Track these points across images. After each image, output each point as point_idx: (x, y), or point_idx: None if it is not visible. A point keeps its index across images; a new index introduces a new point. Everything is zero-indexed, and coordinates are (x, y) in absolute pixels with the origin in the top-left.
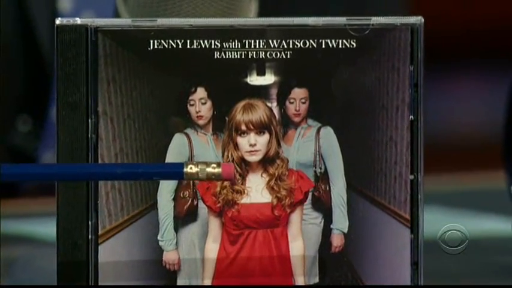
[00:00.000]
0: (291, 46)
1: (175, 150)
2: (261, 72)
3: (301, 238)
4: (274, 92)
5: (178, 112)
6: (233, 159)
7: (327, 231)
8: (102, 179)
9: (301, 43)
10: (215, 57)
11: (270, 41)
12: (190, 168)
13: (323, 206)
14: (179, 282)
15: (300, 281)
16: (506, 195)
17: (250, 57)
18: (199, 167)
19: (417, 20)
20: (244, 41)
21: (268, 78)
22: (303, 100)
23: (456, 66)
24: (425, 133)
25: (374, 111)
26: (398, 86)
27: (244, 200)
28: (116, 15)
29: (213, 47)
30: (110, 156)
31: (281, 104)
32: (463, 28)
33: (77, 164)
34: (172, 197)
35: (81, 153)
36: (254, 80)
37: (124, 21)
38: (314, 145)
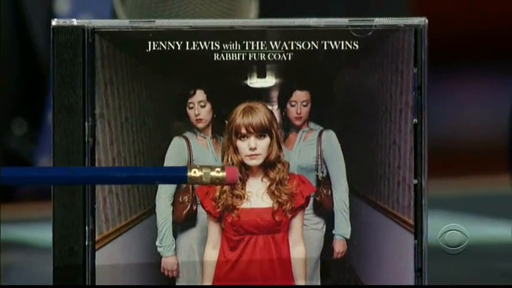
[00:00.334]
0: (292, 48)
1: (174, 154)
2: (262, 75)
3: (302, 244)
4: (275, 94)
5: (177, 115)
6: (233, 163)
7: (328, 237)
8: (104, 183)
9: (303, 44)
10: (215, 59)
11: (271, 43)
12: (194, 172)
13: (325, 211)
14: None
15: None
16: None
17: (250, 59)
18: (203, 170)
19: (421, 21)
20: (244, 42)
21: (269, 81)
22: (305, 103)
23: (461, 68)
24: (429, 137)
25: (377, 114)
26: (401, 89)
27: (245, 205)
28: (114, 16)
29: (212, 48)
30: (107, 160)
31: (282, 106)
32: (469, 29)
33: (78, 168)
34: (171, 201)
35: (77, 157)
36: (254, 82)
37: (121, 23)
38: (316, 149)
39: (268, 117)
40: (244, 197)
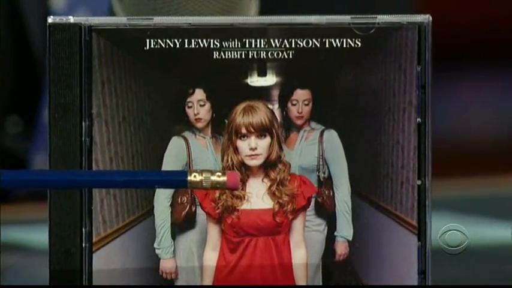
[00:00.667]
0: (293, 46)
1: (173, 155)
2: (262, 73)
3: (303, 246)
4: (275, 93)
5: (175, 114)
6: (233, 163)
7: (330, 239)
8: (103, 187)
9: (304, 42)
10: (214, 57)
11: (271, 41)
12: (194, 176)
13: (327, 212)
14: None
15: None
16: None
17: (250, 57)
18: (204, 175)
19: (425, 18)
20: (244, 40)
21: (270, 79)
22: (306, 102)
23: (466, 67)
24: (433, 136)
25: (380, 113)
26: (405, 88)
27: (245, 206)
28: (111, 13)
29: (212, 46)
30: (105, 160)
31: (283, 106)
32: (474, 26)
33: (77, 171)
34: (170, 203)
35: (74, 157)
36: (255, 81)
37: (119, 20)
38: (317, 149)
39: (268, 116)
40: (244, 197)
